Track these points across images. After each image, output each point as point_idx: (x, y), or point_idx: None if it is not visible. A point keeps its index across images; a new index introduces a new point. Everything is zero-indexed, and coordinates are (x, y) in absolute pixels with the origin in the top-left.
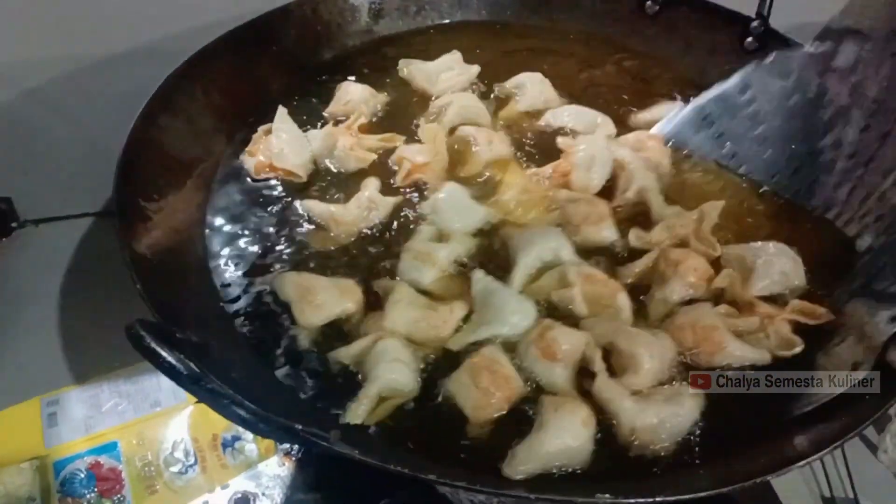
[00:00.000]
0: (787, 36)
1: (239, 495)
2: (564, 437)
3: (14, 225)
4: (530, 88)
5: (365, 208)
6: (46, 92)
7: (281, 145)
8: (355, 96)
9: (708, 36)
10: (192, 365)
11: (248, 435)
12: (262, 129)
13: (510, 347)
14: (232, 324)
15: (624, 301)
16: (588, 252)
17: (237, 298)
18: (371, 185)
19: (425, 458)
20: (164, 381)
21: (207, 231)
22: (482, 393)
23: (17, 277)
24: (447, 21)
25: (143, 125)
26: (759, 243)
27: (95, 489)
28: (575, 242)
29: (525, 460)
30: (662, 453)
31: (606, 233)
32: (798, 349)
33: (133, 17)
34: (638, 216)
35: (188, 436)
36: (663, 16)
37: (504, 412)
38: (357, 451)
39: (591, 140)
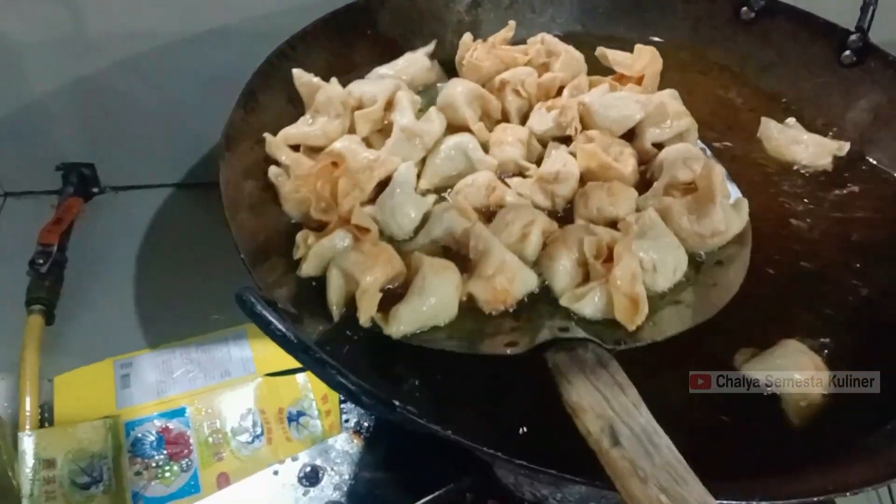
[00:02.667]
0: (886, 51)
1: (308, 468)
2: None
3: (96, 190)
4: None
5: None
6: (139, 63)
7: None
8: None
9: (802, 48)
10: (299, 333)
11: (314, 411)
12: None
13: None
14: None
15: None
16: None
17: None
18: None
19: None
20: (235, 352)
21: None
22: None
23: (96, 241)
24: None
25: (245, 102)
26: None
27: (164, 451)
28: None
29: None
30: None
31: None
32: None
33: None
34: None
35: (255, 407)
36: (757, 25)
37: None
38: (450, 431)
39: None
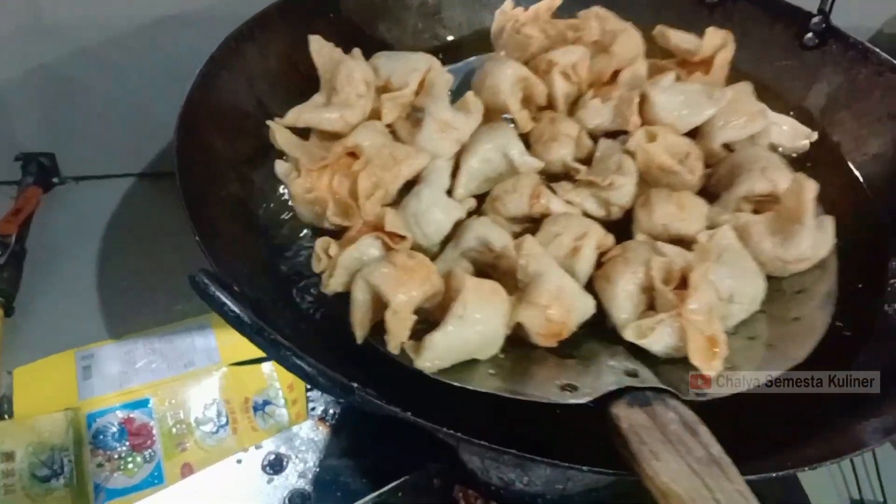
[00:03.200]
0: (847, 34)
1: (272, 456)
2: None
3: (56, 180)
4: None
5: None
6: (98, 51)
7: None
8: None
9: (764, 31)
10: (254, 315)
11: (279, 400)
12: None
13: None
14: (287, 285)
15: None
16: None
17: (293, 258)
18: None
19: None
20: (199, 342)
21: (264, 193)
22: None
23: (56, 232)
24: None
25: (202, 83)
26: None
27: (127, 443)
28: None
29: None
30: None
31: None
32: None
33: None
34: None
35: (220, 397)
36: (720, 8)
37: None
38: (410, 413)
39: None
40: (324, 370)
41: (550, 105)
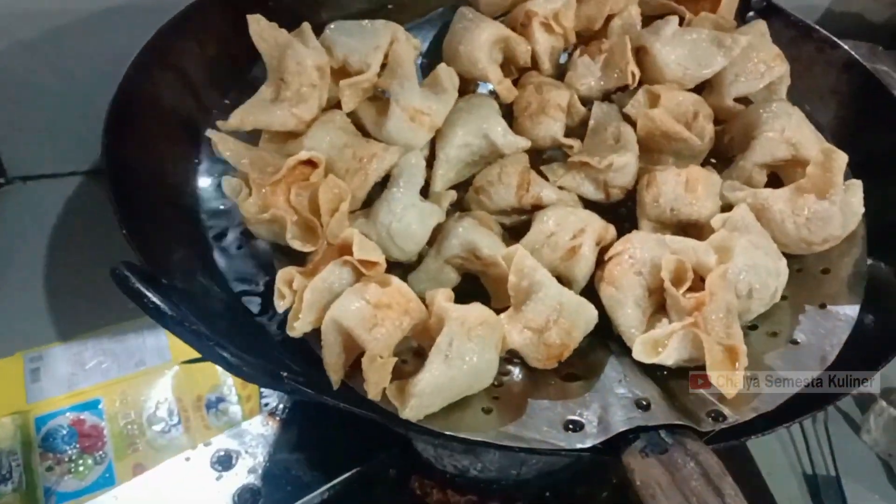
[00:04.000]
0: (788, 11)
1: (221, 453)
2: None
3: (2, 181)
4: None
5: None
6: (39, 46)
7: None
8: None
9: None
10: (177, 307)
11: (233, 396)
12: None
13: None
14: (222, 279)
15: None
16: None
17: (228, 253)
18: None
19: None
20: (149, 341)
21: (199, 184)
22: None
23: (2, 233)
24: None
25: (135, 75)
26: None
27: (77, 445)
28: None
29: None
30: None
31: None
32: None
33: None
34: None
35: (172, 396)
36: None
37: None
38: (340, 401)
39: None
40: (249, 359)
41: (534, 65)
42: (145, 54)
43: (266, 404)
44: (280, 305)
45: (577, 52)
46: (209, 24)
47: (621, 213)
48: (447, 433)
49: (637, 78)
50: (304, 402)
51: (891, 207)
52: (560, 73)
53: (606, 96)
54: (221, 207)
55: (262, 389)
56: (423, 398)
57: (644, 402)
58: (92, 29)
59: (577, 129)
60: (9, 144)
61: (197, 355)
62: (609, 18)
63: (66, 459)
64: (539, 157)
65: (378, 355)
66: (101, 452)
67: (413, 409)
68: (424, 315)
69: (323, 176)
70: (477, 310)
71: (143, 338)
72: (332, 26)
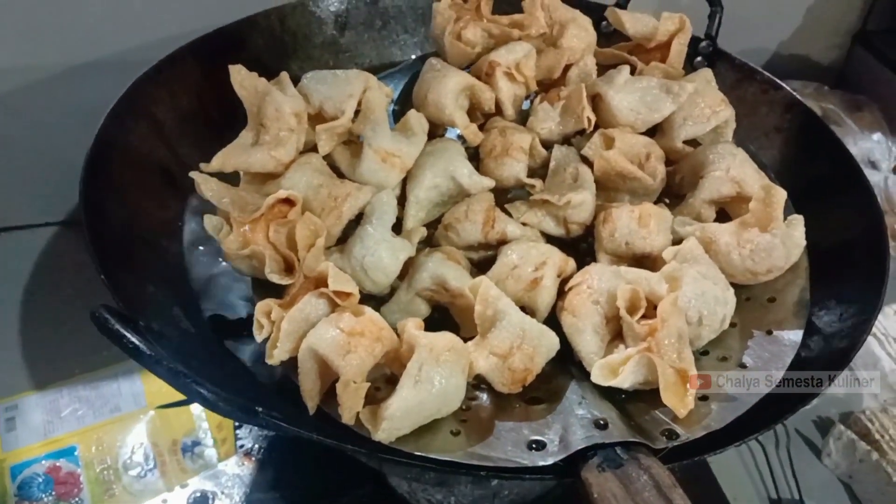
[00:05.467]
0: (733, 55)
1: (198, 494)
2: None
3: None
4: None
5: None
6: (9, 100)
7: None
8: None
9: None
10: (155, 346)
11: (208, 440)
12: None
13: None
14: (199, 322)
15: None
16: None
17: (206, 297)
18: None
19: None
20: (124, 387)
21: (178, 230)
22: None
23: None
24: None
25: (111, 126)
26: None
27: (53, 493)
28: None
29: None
30: None
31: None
32: None
33: (99, 27)
34: None
35: (148, 441)
36: (616, 35)
37: None
38: (315, 433)
39: None
40: (225, 396)
41: (498, 111)
42: (121, 105)
43: (241, 445)
44: (259, 335)
45: (538, 98)
46: (182, 77)
47: (581, 248)
48: (417, 454)
49: (593, 122)
50: (279, 441)
51: (829, 232)
52: (522, 118)
53: (565, 140)
54: (201, 248)
55: (237, 431)
56: (394, 421)
57: (602, 422)
58: (61, 84)
59: (539, 171)
60: None
61: (172, 400)
62: (567, 68)
63: None
64: (504, 197)
65: (352, 380)
66: (77, 499)
67: (385, 432)
68: (396, 343)
69: (300, 214)
70: (445, 337)
71: (118, 384)
72: (308, 75)
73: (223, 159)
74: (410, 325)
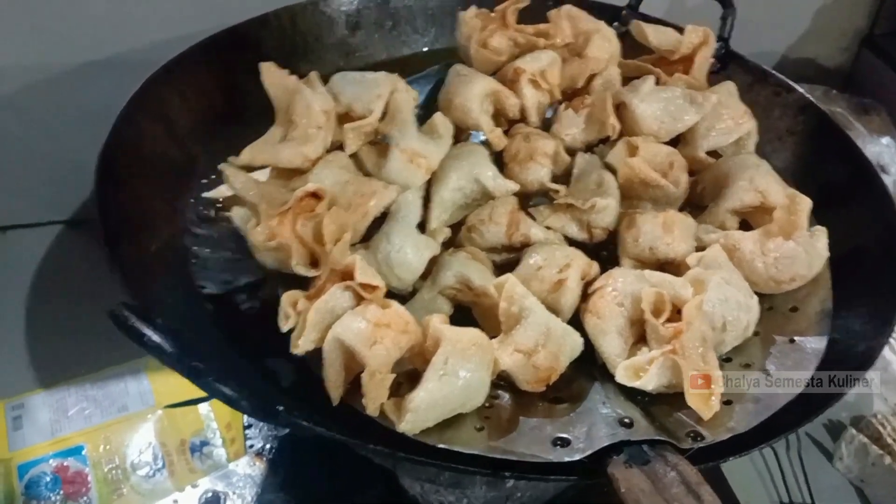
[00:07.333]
0: (746, 58)
1: (210, 494)
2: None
3: None
4: None
5: None
6: (18, 99)
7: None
8: None
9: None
10: (176, 343)
11: (217, 440)
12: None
13: None
14: (213, 320)
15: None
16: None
17: (221, 298)
18: None
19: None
20: (132, 386)
21: (189, 230)
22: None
23: None
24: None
25: (122, 126)
26: None
27: (61, 492)
28: None
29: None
30: None
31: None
32: None
33: (108, 26)
34: None
35: (156, 440)
36: (628, 36)
37: None
38: (336, 432)
39: None
40: (245, 394)
41: (523, 117)
42: (132, 105)
43: (251, 445)
44: (284, 325)
45: (562, 106)
46: (194, 77)
47: (603, 255)
48: (441, 446)
49: (617, 130)
50: (290, 442)
51: (843, 236)
52: (546, 125)
53: (588, 147)
54: (208, 252)
55: (247, 431)
56: (418, 413)
57: (627, 421)
58: (69, 84)
59: (562, 179)
60: None
61: (180, 399)
62: (590, 78)
63: None
64: (527, 203)
65: (377, 371)
66: (85, 498)
67: (409, 423)
68: (420, 337)
69: (327, 208)
70: (471, 332)
71: (126, 383)
72: (337, 76)
73: (252, 153)
74: (436, 320)
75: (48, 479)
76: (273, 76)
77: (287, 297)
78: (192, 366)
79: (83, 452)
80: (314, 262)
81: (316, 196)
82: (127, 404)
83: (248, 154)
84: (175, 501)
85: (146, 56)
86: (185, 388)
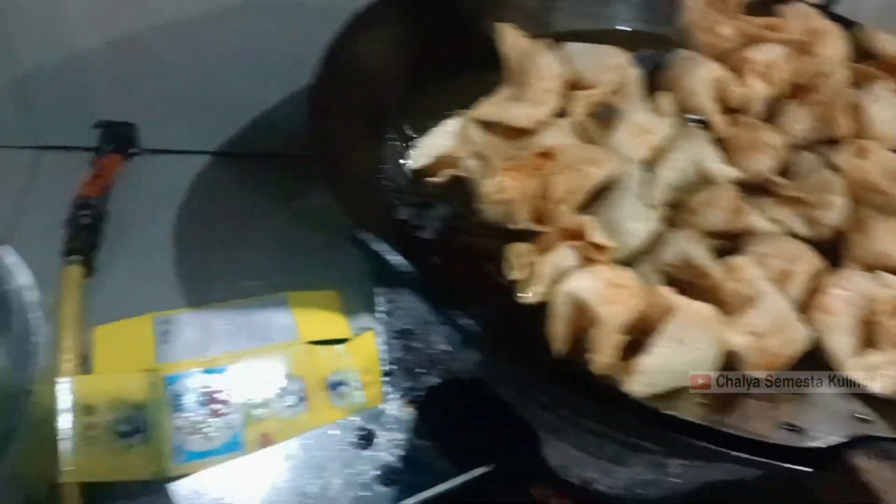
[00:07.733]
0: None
1: (364, 431)
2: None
3: (135, 150)
4: None
5: None
6: (185, 28)
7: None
8: None
9: None
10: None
11: (356, 382)
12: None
13: None
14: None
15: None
16: None
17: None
18: None
19: None
20: (275, 318)
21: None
22: None
23: (135, 200)
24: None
25: (331, 58)
26: None
27: (205, 408)
28: None
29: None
30: None
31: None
32: None
33: None
34: None
35: (296, 373)
36: None
37: None
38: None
39: None
40: (479, 328)
41: (743, 108)
42: (335, 49)
43: (387, 393)
44: (512, 274)
45: (788, 101)
46: (381, 29)
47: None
48: (668, 412)
49: (849, 130)
50: (440, 392)
51: None
52: (769, 119)
53: (810, 146)
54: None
55: (384, 378)
56: (647, 375)
57: (863, 417)
58: (239, 20)
59: (781, 175)
60: (143, 117)
61: (323, 337)
62: (817, 77)
63: (194, 420)
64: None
65: (612, 329)
66: (228, 418)
67: (638, 384)
68: (649, 305)
69: (558, 169)
70: (702, 305)
71: (269, 315)
72: (569, 44)
73: (486, 109)
74: (666, 290)
75: (192, 394)
76: (510, 37)
77: (514, 248)
78: (435, 290)
79: (226, 374)
80: (539, 220)
81: (544, 155)
82: (270, 335)
83: (482, 109)
84: (328, 433)
85: (314, 3)
86: (328, 325)
